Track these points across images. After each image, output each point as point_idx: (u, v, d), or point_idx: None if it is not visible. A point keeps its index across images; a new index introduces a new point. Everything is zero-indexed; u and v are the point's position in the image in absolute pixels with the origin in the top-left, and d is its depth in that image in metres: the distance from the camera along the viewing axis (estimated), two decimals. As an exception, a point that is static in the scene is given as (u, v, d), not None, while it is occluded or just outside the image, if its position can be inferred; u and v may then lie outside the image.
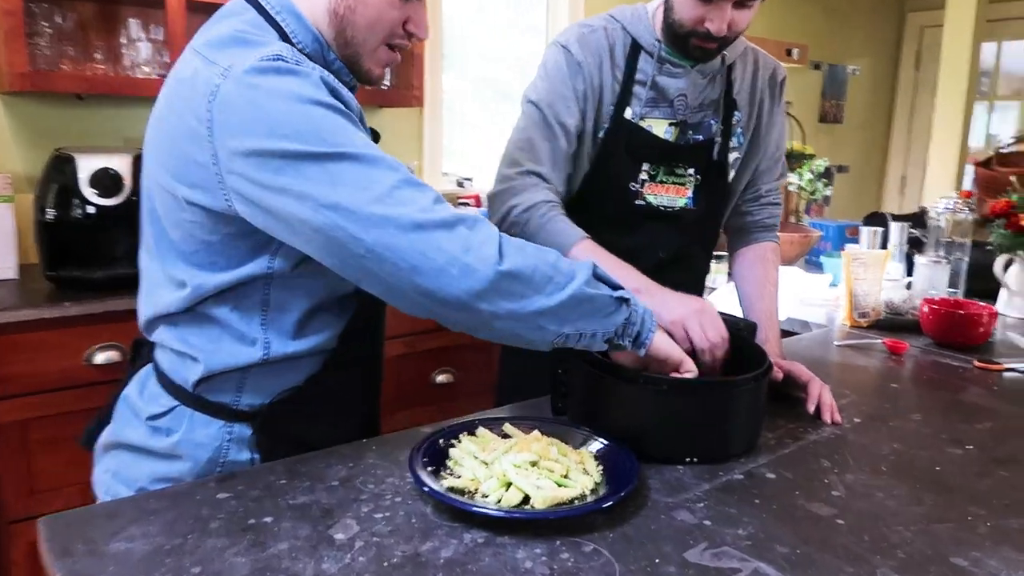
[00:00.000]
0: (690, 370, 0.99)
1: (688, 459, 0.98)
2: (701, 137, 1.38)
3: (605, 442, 0.96)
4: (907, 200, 5.27)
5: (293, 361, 0.99)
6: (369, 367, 1.13)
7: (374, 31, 0.96)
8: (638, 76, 1.32)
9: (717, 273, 2.15)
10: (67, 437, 1.78)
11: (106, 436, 1.06)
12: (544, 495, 0.83)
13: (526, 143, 1.29)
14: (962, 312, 1.56)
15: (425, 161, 3.01)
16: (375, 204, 0.81)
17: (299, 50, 0.93)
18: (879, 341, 1.57)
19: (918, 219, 2.43)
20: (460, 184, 3.05)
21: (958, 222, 1.90)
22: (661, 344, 0.97)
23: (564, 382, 1.10)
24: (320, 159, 0.81)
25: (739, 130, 1.41)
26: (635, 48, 1.33)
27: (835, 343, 1.59)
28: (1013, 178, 1.94)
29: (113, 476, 1.02)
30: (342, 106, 0.87)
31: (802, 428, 1.13)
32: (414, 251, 0.81)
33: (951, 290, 1.90)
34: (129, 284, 1.84)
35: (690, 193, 1.39)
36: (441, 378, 2.44)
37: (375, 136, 1.03)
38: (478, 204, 2.90)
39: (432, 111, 2.99)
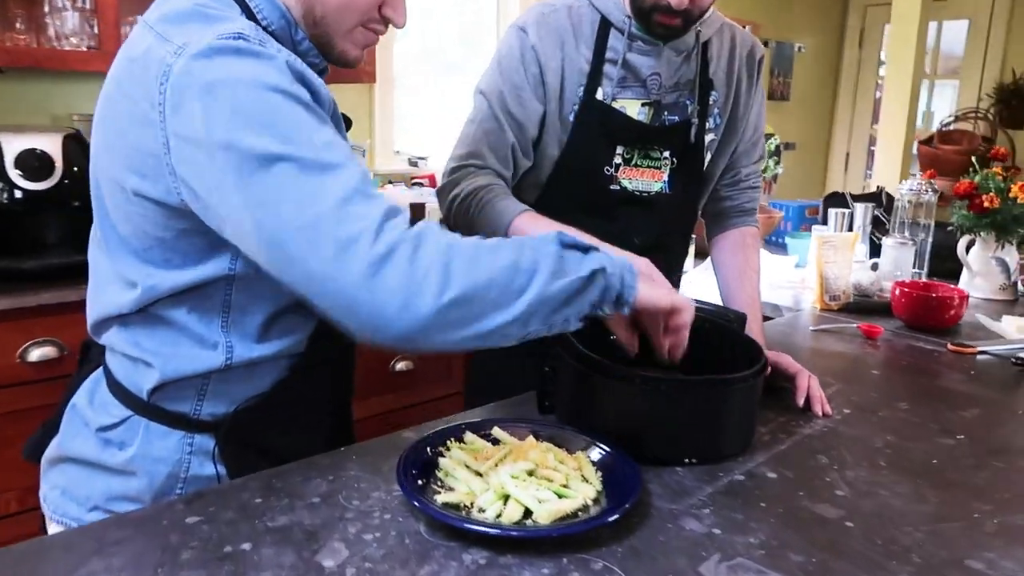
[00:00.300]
0: (684, 308, 0.91)
1: (687, 460, 0.94)
2: (676, 118, 1.32)
3: (601, 445, 0.91)
4: (851, 177, 5.37)
5: (258, 366, 0.91)
6: (340, 369, 1.05)
7: (346, 13, 0.88)
8: (608, 54, 1.26)
9: (688, 256, 2.11)
10: (2, 440, 1.65)
11: (53, 449, 0.96)
12: (547, 509, 0.77)
13: (471, 138, 1.25)
14: (934, 295, 1.56)
15: (376, 140, 2.91)
16: (319, 223, 0.72)
17: (264, 28, 0.84)
18: (853, 325, 1.56)
19: (876, 199, 2.45)
20: (413, 163, 2.96)
21: (922, 203, 1.90)
22: (647, 297, 0.87)
23: (552, 380, 1.05)
24: (269, 161, 0.72)
25: (716, 111, 1.36)
26: (604, 25, 1.27)
27: (810, 328, 1.58)
28: (973, 158, 1.95)
29: (62, 494, 0.93)
30: (307, 95, 0.78)
31: (794, 422, 1.10)
32: (353, 286, 0.71)
33: (916, 271, 1.91)
34: (64, 275, 1.72)
35: (666, 177, 1.34)
36: (401, 365, 2.36)
37: (347, 122, 0.94)
38: (432, 184, 2.81)
39: (383, 87, 2.88)
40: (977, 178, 1.88)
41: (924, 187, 1.90)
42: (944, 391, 1.27)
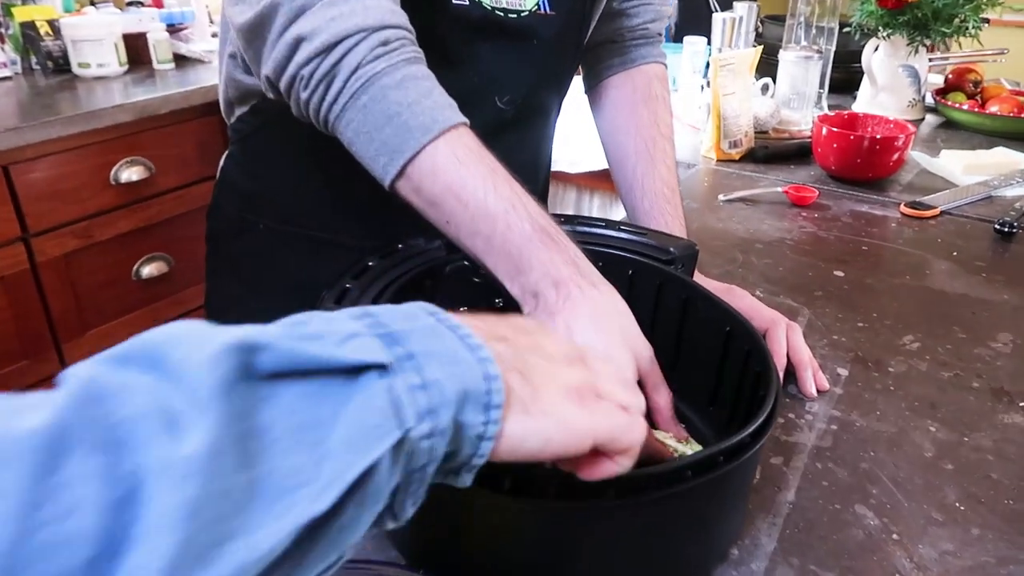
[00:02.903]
0: (625, 432, 0.37)
1: (649, 599, 0.47)
2: None
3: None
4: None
5: None
6: None
7: None
8: None
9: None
10: None
11: None
12: None
13: None
14: (876, 137, 1.13)
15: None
16: None
17: None
18: (779, 190, 1.11)
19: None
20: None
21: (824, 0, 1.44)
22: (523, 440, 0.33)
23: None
24: None
25: None
26: None
27: (721, 199, 1.11)
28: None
29: None
30: None
31: (780, 419, 0.65)
32: None
33: (819, 91, 1.49)
34: None
35: None
36: (148, 270, 1.71)
37: None
38: (158, 3, 1.99)
39: None
40: (892, -39, 1.43)
41: (828, -24, 1.43)
42: (945, 300, 0.86)
